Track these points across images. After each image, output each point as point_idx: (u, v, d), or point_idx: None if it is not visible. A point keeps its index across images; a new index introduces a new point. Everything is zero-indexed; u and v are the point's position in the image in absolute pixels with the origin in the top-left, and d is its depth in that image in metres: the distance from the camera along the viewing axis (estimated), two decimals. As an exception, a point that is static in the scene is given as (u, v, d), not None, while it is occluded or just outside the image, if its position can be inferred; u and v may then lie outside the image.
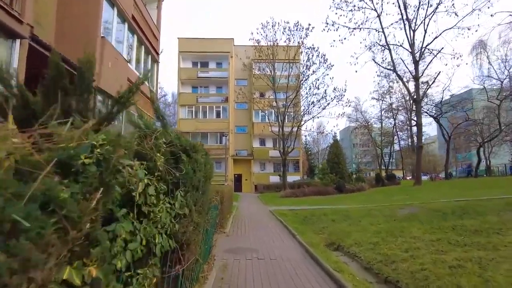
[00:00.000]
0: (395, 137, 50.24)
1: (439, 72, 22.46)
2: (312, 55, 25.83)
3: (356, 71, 29.36)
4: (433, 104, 29.22)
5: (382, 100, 49.11)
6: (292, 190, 22.54)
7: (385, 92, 47.95)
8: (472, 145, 47.44)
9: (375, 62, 23.13)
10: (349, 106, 27.79)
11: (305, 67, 25.24)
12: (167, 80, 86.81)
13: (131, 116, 2.19)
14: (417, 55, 20.60)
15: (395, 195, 15.99)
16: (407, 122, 48.62)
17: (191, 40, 35.22)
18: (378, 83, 48.25)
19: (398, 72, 22.15)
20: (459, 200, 9.65)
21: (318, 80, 26.28)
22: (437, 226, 6.61)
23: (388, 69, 23.95)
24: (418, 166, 20.25)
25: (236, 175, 34.43)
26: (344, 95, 25.82)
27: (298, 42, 25.95)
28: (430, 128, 71.09)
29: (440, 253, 4.67)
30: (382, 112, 49.38)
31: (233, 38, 35.85)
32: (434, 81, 22.37)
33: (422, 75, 20.73)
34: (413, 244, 5.40)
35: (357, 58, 34.10)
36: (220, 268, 4.93)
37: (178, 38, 35.32)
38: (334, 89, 25.18)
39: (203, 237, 3.07)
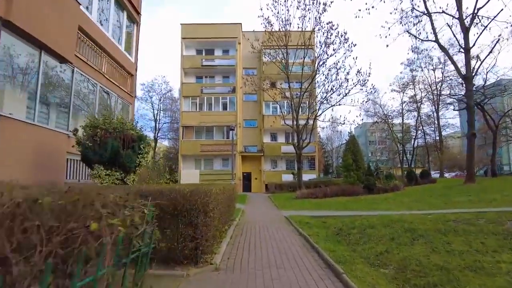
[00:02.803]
0: (419, 131, 45.75)
1: (498, 40, 17.88)
2: (331, 34, 22.02)
3: (387, 46, 24.71)
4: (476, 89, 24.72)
5: (403, 92, 44.98)
6: (309, 190, 18.88)
7: (408, 82, 43.69)
8: (502, 139, 43.15)
9: (411, 34, 19.10)
10: (374, 92, 23.54)
11: (323, 45, 21.34)
12: (175, 75, 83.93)
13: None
14: (467, 21, 16.50)
15: (451, 196, 12.13)
16: (433, 114, 44.09)
17: (195, 26, 32.10)
18: (401, 72, 43.88)
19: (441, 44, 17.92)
20: None
21: (338, 63, 22.41)
22: None
23: (428, 40, 19.83)
24: (471, 159, 15.88)
25: (244, 174, 31.13)
26: (368, 80, 21.83)
27: (315, 18, 22.19)
28: (455, 120, 65.39)
29: None
30: (403, 105, 45.21)
31: (240, 23, 32.47)
32: (491, 52, 18.01)
33: (474, 45, 16.56)
34: None
35: (389, 28, 29.83)
36: None
37: (181, 24, 32.28)
38: (358, 71, 21.09)
39: None
